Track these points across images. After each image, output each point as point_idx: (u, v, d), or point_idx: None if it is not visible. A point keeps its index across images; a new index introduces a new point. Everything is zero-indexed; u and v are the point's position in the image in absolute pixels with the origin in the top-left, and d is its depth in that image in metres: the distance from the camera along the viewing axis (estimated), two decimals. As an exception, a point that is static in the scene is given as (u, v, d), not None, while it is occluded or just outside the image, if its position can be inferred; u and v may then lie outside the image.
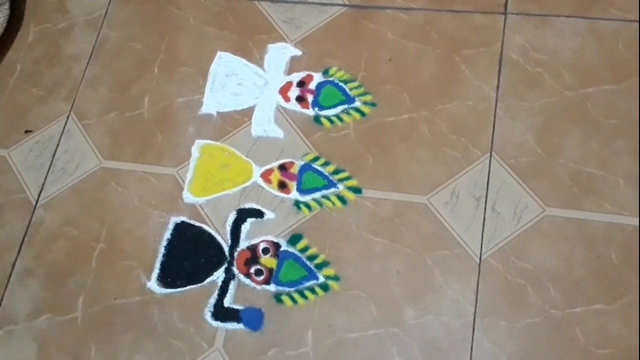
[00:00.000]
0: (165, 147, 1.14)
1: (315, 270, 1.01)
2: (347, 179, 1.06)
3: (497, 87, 1.08)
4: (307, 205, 1.06)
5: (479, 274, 0.97)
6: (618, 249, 0.95)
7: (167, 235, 1.07)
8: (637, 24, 1.09)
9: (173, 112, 1.17)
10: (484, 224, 1.00)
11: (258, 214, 1.06)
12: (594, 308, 0.93)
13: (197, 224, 1.07)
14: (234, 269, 1.03)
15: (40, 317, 1.04)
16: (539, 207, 0.99)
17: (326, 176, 1.07)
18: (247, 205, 1.07)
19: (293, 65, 1.17)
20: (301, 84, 1.15)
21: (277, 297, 1.00)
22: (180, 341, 0.99)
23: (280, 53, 1.19)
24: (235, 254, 1.04)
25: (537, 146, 1.03)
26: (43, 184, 1.14)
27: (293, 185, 1.08)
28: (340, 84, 1.14)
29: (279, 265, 1.02)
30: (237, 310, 1.00)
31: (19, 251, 1.09)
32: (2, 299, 1.07)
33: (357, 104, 1.12)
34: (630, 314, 0.92)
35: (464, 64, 1.11)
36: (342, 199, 1.05)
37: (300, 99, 1.14)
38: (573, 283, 0.94)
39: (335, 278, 1.00)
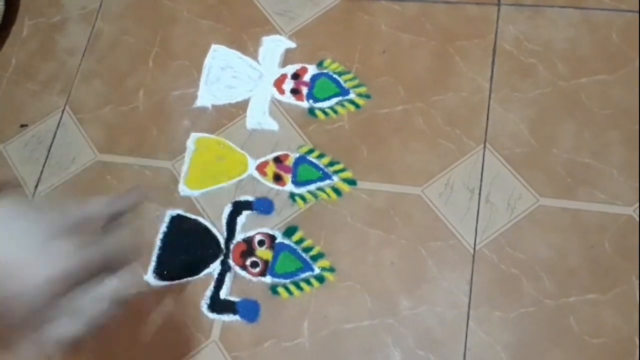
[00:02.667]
0: (160, 140, 1.14)
1: (311, 262, 1.01)
2: (342, 171, 1.06)
3: (491, 78, 1.08)
4: (302, 198, 1.06)
5: (473, 264, 0.97)
6: (612, 239, 0.96)
7: (163, 228, 1.07)
8: (630, 13, 1.09)
9: (168, 106, 1.17)
10: (478, 215, 1.00)
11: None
12: (587, 298, 0.93)
13: (193, 216, 1.08)
14: (230, 261, 1.03)
15: (37, 310, 1.04)
16: (532, 197, 1.00)
17: (321, 168, 1.07)
18: (243, 198, 1.07)
19: (287, 57, 1.17)
20: (295, 76, 1.15)
21: (273, 288, 1.00)
22: (177, 334, 0.99)
23: (274, 45, 1.18)
24: (231, 246, 1.04)
25: (531, 137, 1.03)
26: (39, 178, 1.15)
27: (288, 177, 1.08)
28: (335, 76, 1.14)
29: (275, 257, 1.02)
30: (233, 302, 1.00)
31: (16, 245, 1.09)
32: None
33: (352, 96, 1.12)
34: (624, 304, 0.92)
35: (458, 56, 1.11)
36: (337, 190, 1.05)
37: (295, 92, 1.14)
38: (567, 273, 0.95)
39: (331, 269, 1.00)
